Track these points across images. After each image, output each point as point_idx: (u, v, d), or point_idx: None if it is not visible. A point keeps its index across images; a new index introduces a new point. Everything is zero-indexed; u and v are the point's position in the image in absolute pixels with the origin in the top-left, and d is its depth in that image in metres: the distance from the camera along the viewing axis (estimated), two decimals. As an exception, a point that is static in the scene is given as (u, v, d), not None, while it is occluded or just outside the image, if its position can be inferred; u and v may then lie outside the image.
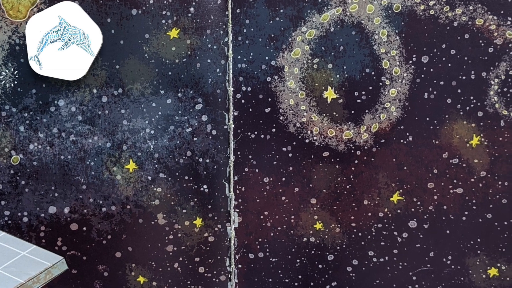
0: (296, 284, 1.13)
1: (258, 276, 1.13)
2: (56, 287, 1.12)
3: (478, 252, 1.11)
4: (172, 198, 1.10)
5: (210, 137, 1.09)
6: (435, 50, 1.06)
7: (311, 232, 1.12)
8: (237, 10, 1.06)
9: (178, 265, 1.12)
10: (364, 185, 1.10)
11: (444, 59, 1.07)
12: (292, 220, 1.11)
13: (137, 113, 1.08)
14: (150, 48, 1.07)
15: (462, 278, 1.12)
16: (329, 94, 1.08)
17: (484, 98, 1.07)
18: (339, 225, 1.11)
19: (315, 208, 1.11)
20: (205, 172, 1.10)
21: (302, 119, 1.09)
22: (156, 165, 1.09)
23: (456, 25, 1.06)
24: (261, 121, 1.09)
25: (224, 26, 1.07)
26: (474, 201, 1.10)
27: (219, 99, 1.08)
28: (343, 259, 1.12)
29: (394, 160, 1.09)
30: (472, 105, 1.07)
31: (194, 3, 1.06)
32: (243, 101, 1.08)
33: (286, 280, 1.13)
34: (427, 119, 1.08)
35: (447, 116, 1.08)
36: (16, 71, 1.06)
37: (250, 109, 1.09)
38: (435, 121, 1.08)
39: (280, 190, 1.11)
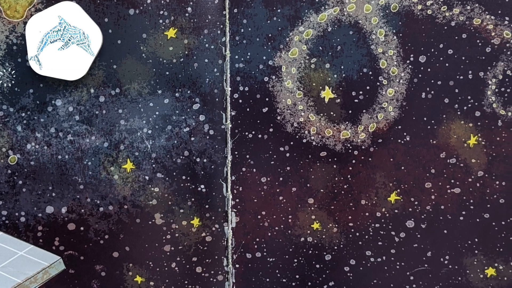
0: (293, 284, 1.13)
1: (255, 276, 1.13)
2: (53, 287, 1.12)
3: (476, 252, 1.11)
4: (169, 198, 1.10)
5: (208, 137, 1.09)
6: (432, 50, 1.06)
7: (308, 232, 1.12)
8: (234, 10, 1.06)
9: (176, 265, 1.12)
10: (362, 185, 1.10)
11: (441, 59, 1.07)
12: (290, 220, 1.11)
13: (134, 113, 1.08)
14: (147, 47, 1.07)
15: (459, 278, 1.12)
16: (327, 94, 1.08)
17: (481, 98, 1.07)
18: (336, 225, 1.11)
19: (312, 208, 1.11)
20: (202, 172, 1.10)
21: (300, 119, 1.09)
22: (154, 165, 1.09)
23: (454, 25, 1.06)
24: (258, 121, 1.09)
25: (221, 26, 1.07)
26: (471, 201, 1.10)
27: (217, 99, 1.08)
28: (341, 259, 1.12)
29: (391, 160, 1.09)
30: (469, 105, 1.07)
31: (191, 3, 1.06)
32: (240, 101, 1.08)
33: (284, 280, 1.13)
34: (425, 119, 1.08)
35: (444, 116, 1.08)
36: (13, 71, 1.06)
37: (248, 109, 1.09)
38: (433, 121, 1.08)
39: (278, 190, 1.11)
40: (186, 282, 1.12)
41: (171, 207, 1.10)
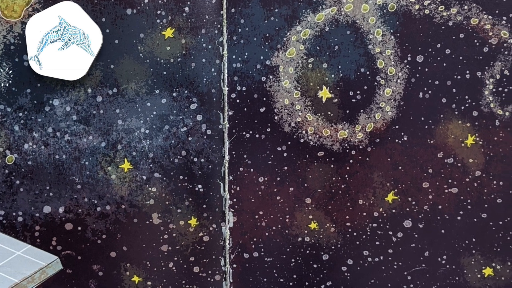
0: (291, 283, 1.13)
1: (253, 275, 1.13)
2: (51, 286, 1.12)
3: (473, 251, 1.11)
4: (167, 197, 1.10)
5: (205, 137, 1.09)
6: (430, 50, 1.06)
7: (306, 231, 1.12)
8: (232, 9, 1.06)
9: (173, 264, 1.12)
10: (359, 185, 1.10)
11: (439, 58, 1.07)
12: (287, 220, 1.11)
13: (132, 112, 1.08)
14: (145, 47, 1.07)
15: (457, 278, 1.12)
16: (324, 93, 1.08)
17: (479, 98, 1.07)
18: (334, 225, 1.11)
19: (310, 208, 1.11)
20: (200, 172, 1.09)
21: (297, 119, 1.09)
22: (151, 165, 1.09)
23: (451, 24, 1.06)
24: (256, 121, 1.09)
25: (219, 26, 1.07)
26: (469, 200, 1.10)
27: (214, 99, 1.08)
28: (338, 258, 1.12)
29: (389, 159, 1.09)
30: (467, 105, 1.07)
31: (189, 3, 1.06)
32: (238, 100, 1.08)
33: (281, 280, 1.13)
34: (422, 118, 1.08)
35: (442, 115, 1.08)
36: (11, 71, 1.06)
37: (245, 109, 1.09)
38: (430, 121, 1.08)
39: (275, 190, 1.10)
40: (183, 282, 1.12)
41: (168, 207, 1.10)
